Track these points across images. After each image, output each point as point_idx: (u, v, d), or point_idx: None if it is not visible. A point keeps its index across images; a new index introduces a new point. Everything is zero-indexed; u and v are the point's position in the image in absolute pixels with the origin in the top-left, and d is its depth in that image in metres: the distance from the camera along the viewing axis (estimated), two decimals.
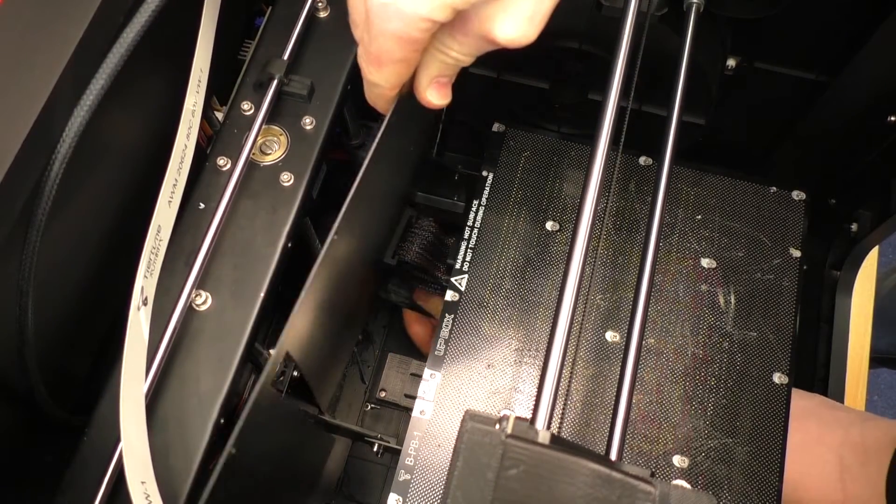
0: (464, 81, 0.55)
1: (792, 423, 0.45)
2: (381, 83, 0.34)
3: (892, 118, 0.49)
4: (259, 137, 0.40)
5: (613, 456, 0.33)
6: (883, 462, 0.43)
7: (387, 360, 0.59)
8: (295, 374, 0.42)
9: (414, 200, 0.54)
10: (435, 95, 0.36)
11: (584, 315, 0.47)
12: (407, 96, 0.36)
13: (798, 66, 0.51)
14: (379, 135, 0.36)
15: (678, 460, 0.43)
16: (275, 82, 0.41)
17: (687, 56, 0.41)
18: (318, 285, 0.35)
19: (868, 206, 0.56)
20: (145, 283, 0.33)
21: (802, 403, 0.47)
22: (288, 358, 0.36)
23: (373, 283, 0.53)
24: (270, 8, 0.45)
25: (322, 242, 0.49)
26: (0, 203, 0.29)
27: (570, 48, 0.49)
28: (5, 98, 0.29)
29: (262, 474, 0.36)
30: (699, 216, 0.50)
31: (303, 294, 0.33)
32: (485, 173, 0.51)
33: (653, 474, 0.28)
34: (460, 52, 0.34)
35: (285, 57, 0.41)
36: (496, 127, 0.53)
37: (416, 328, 0.59)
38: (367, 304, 0.57)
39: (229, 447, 0.29)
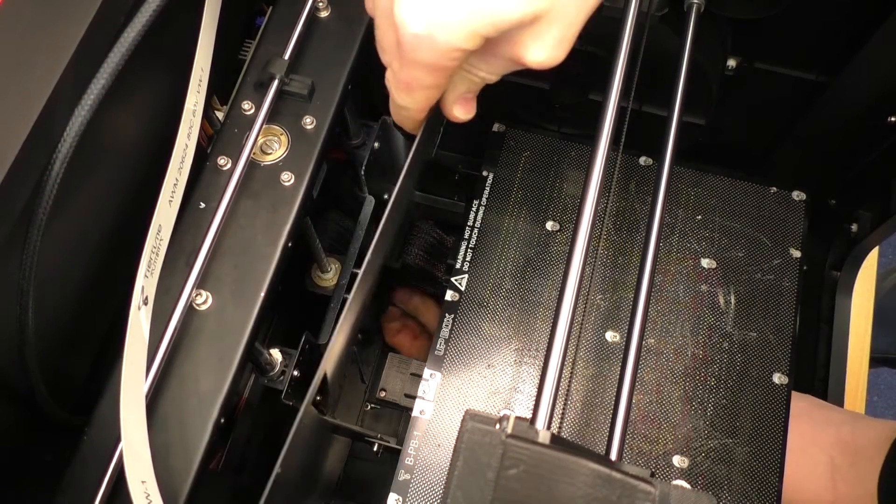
0: None
1: None
2: (410, 107, 0.35)
3: (892, 118, 0.49)
4: (259, 137, 0.40)
5: (613, 456, 0.33)
6: (874, 462, 0.43)
7: (387, 360, 0.59)
8: (295, 373, 0.42)
9: (414, 192, 0.54)
10: (461, 111, 0.37)
11: (584, 315, 0.47)
12: (433, 115, 0.37)
13: (798, 66, 0.51)
14: (411, 154, 0.38)
15: (678, 460, 0.43)
16: (275, 82, 0.41)
17: (687, 56, 0.41)
18: (354, 305, 0.37)
19: (868, 206, 0.56)
20: (146, 282, 0.33)
21: (795, 404, 0.47)
22: (294, 352, 0.36)
23: (377, 289, 0.53)
24: (271, 8, 0.45)
25: (321, 242, 0.49)
26: (1, 203, 0.29)
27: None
28: (6, 98, 0.29)
29: (294, 484, 0.37)
30: (699, 216, 0.50)
31: (342, 317, 0.34)
32: (485, 173, 0.52)
33: (653, 474, 0.28)
34: (488, 72, 0.35)
35: (286, 56, 0.41)
36: (496, 127, 0.53)
37: (398, 340, 0.59)
38: (373, 307, 0.58)
39: (277, 468, 0.30)
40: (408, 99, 0.35)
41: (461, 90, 0.36)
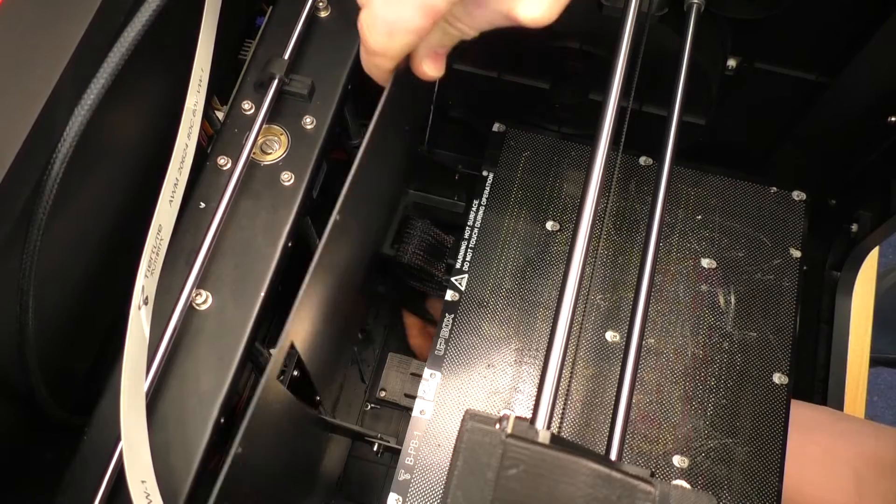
0: (464, 81, 0.55)
1: (802, 436, 0.44)
2: (385, 54, 0.33)
3: (893, 118, 0.49)
4: (259, 137, 0.40)
5: (613, 456, 0.33)
6: None
7: (387, 359, 0.59)
8: (295, 373, 0.42)
9: (407, 190, 0.54)
10: (430, 67, 0.35)
11: (584, 315, 0.47)
12: (404, 69, 0.35)
13: (798, 66, 0.51)
14: (380, 107, 0.35)
15: (678, 460, 0.43)
16: (275, 82, 0.41)
17: (687, 56, 0.41)
18: (322, 271, 0.34)
19: (868, 206, 0.56)
20: (146, 282, 0.33)
21: (810, 414, 0.47)
22: (292, 350, 0.35)
23: (370, 276, 0.53)
24: (271, 8, 0.45)
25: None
26: (1, 202, 0.29)
27: (570, 48, 0.49)
28: (6, 98, 0.29)
29: (267, 473, 0.36)
30: (699, 216, 0.50)
31: (306, 280, 0.32)
32: (485, 173, 0.52)
33: (653, 474, 0.28)
34: (469, 25, 0.32)
35: (286, 56, 0.41)
36: (496, 127, 0.53)
37: (418, 341, 0.58)
38: (366, 299, 0.57)
39: (235, 446, 0.29)
40: (386, 42, 0.32)
41: (434, 43, 0.34)
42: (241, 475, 0.30)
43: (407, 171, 0.53)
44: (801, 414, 0.45)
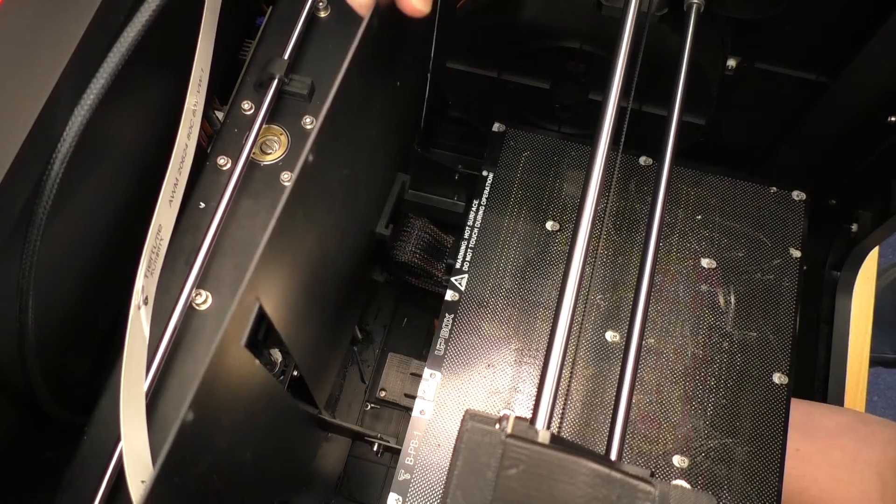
0: (464, 80, 0.55)
1: (827, 440, 0.44)
2: None
3: (893, 118, 0.49)
4: (259, 137, 0.40)
5: (613, 456, 0.33)
6: None
7: (387, 359, 0.59)
8: (295, 373, 0.41)
9: (403, 172, 0.53)
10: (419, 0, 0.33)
11: (584, 315, 0.47)
12: (387, 4, 0.34)
13: (798, 66, 0.51)
14: (357, 39, 0.33)
15: (678, 460, 0.43)
16: (275, 82, 0.41)
17: (687, 56, 0.41)
18: (292, 219, 0.31)
19: (868, 206, 0.56)
20: (146, 282, 0.33)
21: (836, 419, 0.46)
22: (268, 322, 0.33)
23: (366, 261, 0.52)
24: (271, 8, 0.45)
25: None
26: (0, 202, 0.29)
27: (570, 48, 0.49)
28: (6, 97, 0.29)
29: (232, 452, 0.34)
30: (699, 216, 0.50)
31: (272, 224, 0.29)
32: (485, 173, 0.52)
33: (653, 474, 0.28)
34: None
35: (286, 56, 0.41)
36: (496, 127, 0.53)
37: None
38: (364, 284, 0.56)
39: (184, 412, 0.25)
40: None
41: None
42: (194, 448, 0.27)
43: (399, 144, 0.52)
44: (827, 417, 0.45)
